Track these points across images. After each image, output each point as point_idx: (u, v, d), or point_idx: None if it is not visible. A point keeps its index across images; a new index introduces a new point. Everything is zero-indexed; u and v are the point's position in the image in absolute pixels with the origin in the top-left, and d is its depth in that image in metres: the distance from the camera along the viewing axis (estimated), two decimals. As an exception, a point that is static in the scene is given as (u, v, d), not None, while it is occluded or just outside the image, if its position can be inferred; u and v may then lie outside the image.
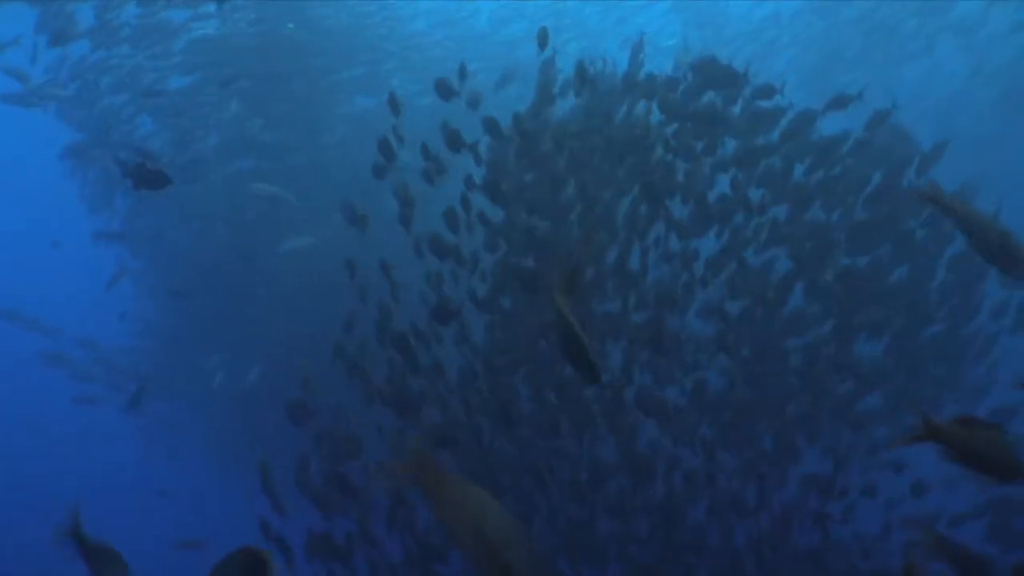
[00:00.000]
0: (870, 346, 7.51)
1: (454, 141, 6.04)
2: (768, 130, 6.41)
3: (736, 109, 6.28)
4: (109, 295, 14.92)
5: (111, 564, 3.58)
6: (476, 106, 7.23)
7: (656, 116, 6.09)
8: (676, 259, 6.58)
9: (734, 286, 6.71)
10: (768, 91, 6.06)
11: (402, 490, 6.78)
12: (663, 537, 6.97)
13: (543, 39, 6.21)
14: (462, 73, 6.39)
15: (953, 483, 9.16)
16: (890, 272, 7.05)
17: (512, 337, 6.55)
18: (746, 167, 6.31)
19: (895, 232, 6.81)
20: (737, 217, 6.42)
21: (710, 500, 7.08)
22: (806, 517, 7.49)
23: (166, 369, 18.50)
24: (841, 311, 6.73)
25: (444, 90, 6.46)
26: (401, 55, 13.27)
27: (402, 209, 6.15)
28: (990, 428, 3.12)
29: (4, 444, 38.63)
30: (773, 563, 7.18)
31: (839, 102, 6.59)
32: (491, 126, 6.22)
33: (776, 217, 6.64)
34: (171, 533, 33.25)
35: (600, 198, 6.30)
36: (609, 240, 6.34)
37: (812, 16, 16.87)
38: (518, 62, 14.86)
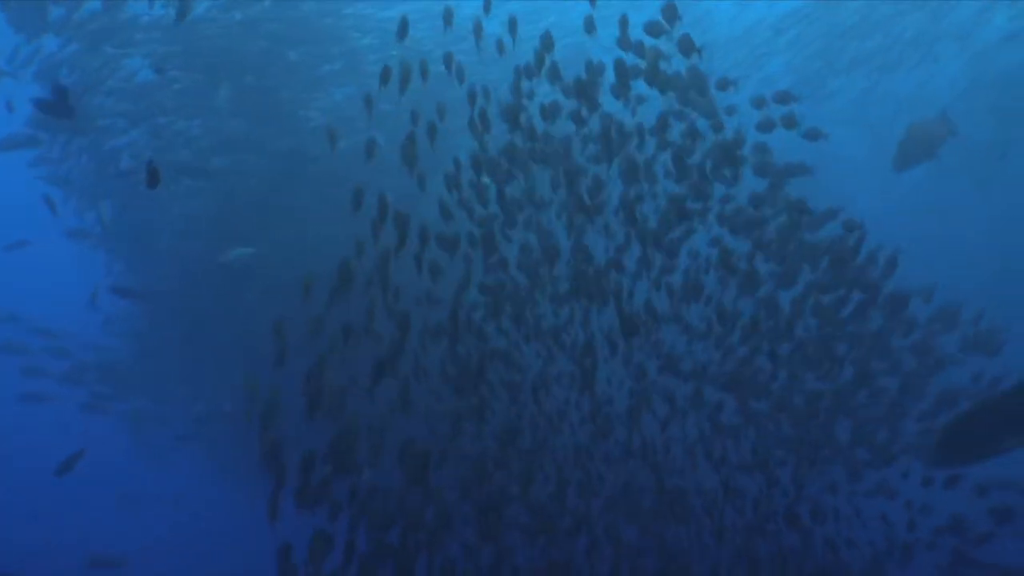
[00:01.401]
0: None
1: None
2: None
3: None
4: (93, 292, 14.57)
5: None
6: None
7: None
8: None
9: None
10: (724, 84, 6.01)
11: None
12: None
13: None
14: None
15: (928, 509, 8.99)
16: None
17: None
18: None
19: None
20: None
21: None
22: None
23: (147, 367, 18.26)
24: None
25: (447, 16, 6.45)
26: (382, 49, 13.01)
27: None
28: None
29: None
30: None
31: (783, 98, 6.68)
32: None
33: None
34: (167, 536, 32.87)
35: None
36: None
37: (807, 19, 16.59)
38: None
